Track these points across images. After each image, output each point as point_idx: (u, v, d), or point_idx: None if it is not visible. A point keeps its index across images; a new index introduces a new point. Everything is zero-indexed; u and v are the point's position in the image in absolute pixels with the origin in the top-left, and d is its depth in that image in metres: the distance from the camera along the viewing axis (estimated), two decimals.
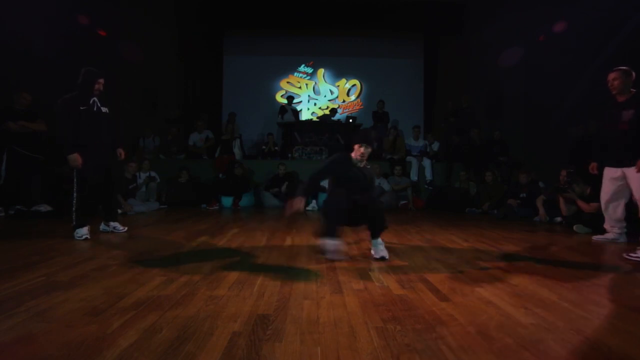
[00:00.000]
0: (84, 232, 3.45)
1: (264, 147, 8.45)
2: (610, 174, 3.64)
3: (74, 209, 3.49)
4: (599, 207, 4.35)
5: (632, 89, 3.53)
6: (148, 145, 8.02)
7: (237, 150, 8.01)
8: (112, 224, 3.86)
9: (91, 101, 3.55)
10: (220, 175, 7.28)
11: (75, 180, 3.51)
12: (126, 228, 3.90)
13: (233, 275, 2.26)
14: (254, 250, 3.04)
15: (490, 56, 8.31)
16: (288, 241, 3.49)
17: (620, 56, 6.22)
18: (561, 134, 6.99)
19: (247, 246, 3.21)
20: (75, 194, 3.51)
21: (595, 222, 4.28)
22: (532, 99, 8.10)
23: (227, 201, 6.93)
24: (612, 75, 3.57)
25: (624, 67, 3.53)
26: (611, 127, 3.60)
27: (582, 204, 4.64)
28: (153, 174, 6.69)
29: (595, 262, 2.95)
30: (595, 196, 4.52)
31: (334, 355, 1.29)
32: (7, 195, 5.12)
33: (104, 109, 3.65)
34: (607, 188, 3.67)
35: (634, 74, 3.53)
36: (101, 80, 3.57)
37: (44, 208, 5.19)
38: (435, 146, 8.10)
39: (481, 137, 7.88)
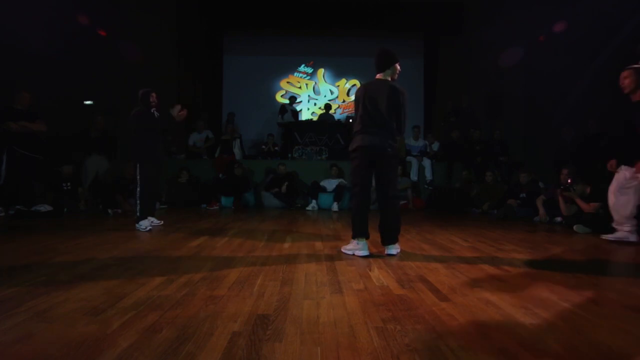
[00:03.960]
0: (147, 223, 4.06)
1: (263, 147, 8.45)
2: (624, 171, 3.56)
3: (138, 201, 4.07)
4: (599, 207, 4.35)
5: None
6: None
7: (237, 150, 8.01)
8: (150, 218, 4.28)
9: (152, 111, 4.24)
10: (220, 175, 7.28)
11: (139, 177, 4.08)
12: (162, 222, 4.40)
13: (233, 275, 2.26)
14: (254, 250, 3.04)
15: (490, 56, 8.31)
16: (288, 241, 3.49)
17: (621, 56, 6.23)
18: (561, 133, 6.99)
19: (247, 246, 3.21)
20: (139, 189, 4.07)
21: (595, 222, 4.28)
22: (532, 99, 8.11)
23: (227, 201, 6.93)
24: (624, 74, 3.40)
25: (637, 65, 3.34)
26: (629, 128, 3.48)
27: (582, 203, 4.64)
28: None
29: (596, 262, 2.95)
30: (595, 196, 4.52)
31: (334, 355, 1.29)
32: (7, 195, 5.12)
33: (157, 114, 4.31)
34: (616, 185, 3.60)
35: None
36: (154, 94, 4.23)
37: (44, 208, 5.20)
38: (435, 146, 8.09)
39: (481, 137, 7.88)
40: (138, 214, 4.08)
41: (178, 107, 4.32)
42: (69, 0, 6.61)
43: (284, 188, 6.96)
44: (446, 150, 7.91)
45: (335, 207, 6.67)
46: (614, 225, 3.74)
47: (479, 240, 3.72)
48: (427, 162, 7.74)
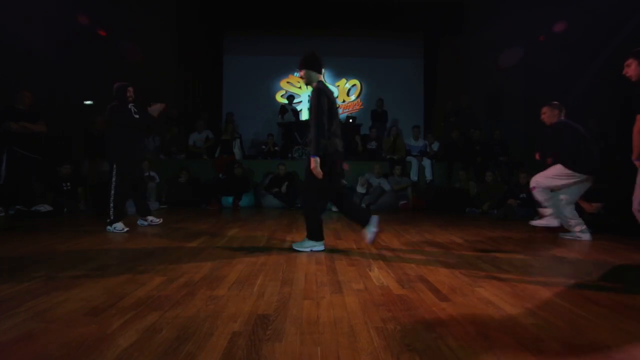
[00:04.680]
0: (122, 225, 3.87)
1: (263, 147, 8.45)
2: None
3: (112, 204, 3.87)
4: (601, 207, 4.38)
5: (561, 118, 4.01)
6: (148, 145, 8.01)
7: (237, 150, 8.01)
8: (149, 217, 4.35)
9: (129, 107, 4.00)
10: (220, 175, 7.28)
11: (114, 178, 3.88)
12: (161, 220, 4.42)
13: (233, 275, 2.26)
14: (254, 250, 3.04)
15: (490, 56, 8.31)
16: (288, 241, 3.49)
17: (621, 56, 6.21)
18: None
19: (247, 246, 3.21)
20: (113, 191, 3.88)
21: (596, 222, 4.28)
22: (532, 99, 8.10)
23: (227, 201, 6.93)
24: (542, 110, 4.10)
25: (554, 102, 4.06)
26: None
27: (584, 203, 4.61)
28: (152, 173, 6.68)
29: (595, 261, 2.94)
30: (597, 196, 4.50)
31: (334, 355, 1.29)
32: (7, 195, 5.12)
33: (136, 116, 4.06)
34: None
35: (561, 108, 4.02)
36: (130, 89, 4.01)
37: (44, 208, 5.20)
38: (435, 146, 8.09)
39: (481, 137, 7.88)
40: (112, 217, 3.85)
41: (157, 106, 4.12)
42: (69, 0, 6.62)
43: (284, 188, 6.96)
44: (446, 150, 7.91)
45: (335, 207, 6.66)
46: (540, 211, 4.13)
47: (479, 240, 3.72)
48: (427, 162, 7.74)
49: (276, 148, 8.35)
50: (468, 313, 1.69)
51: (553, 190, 3.94)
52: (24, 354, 1.27)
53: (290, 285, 2.09)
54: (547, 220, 4.04)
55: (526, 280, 2.26)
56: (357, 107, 10.01)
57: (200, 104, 9.43)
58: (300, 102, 9.99)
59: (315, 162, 2.94)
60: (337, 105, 3.11)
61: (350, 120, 8.59)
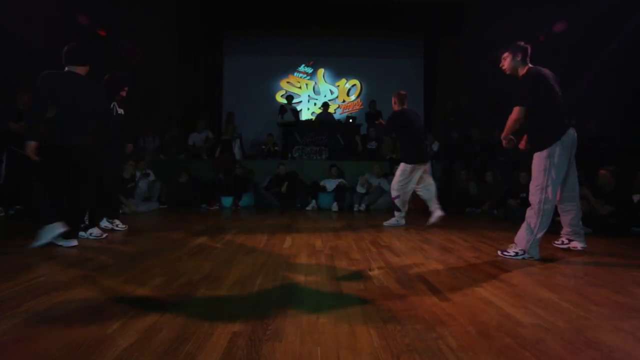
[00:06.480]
0: (99, 231, 3.47)
1: (263, 147, 8.45)
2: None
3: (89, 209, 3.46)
4: (612, 210, 4.38)
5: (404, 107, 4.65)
6: (148, 145, 8.02)
7: (237, 150, 8.01)
8: (115, 221, 3.98)
9: (112, 105, 3.64)
10: (220, 175, 7.28)
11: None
12: (126, 226, 4.02)
13: (233, 275, 2.26)
14: (254, 250, 3.04)
15: (490, 56, 8.30)
16: (288, 241, 3.49)
17: (622, 55, 6.22)
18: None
19: (247, 246, 3.21)
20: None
21: (596, 222, 4.27)
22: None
23: (227, 201, 6.93)
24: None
25: (401, 92, 4.66)
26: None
27: (596, 204, 4.57)
28: (148, 171, 6.66)
29: (595, 261, 2.94)
30: (611, 198, 4.48)
31: (334, 355, 1.29)
32: (7, 195, 5.12)
33: (120, 111, 3.74)
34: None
35: (403, 99, 4.63)
36: (127, 89, 3.67)
37: None
38: (435, 146, 8.09)
39: (481, 137, 7.88)
40: (87, 222, 3.41)
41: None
42: (69, 0, 6.61)
43: (284, 188, 6.96)
44: (446, 150, 7.90)
45: (335, 207, 6.67)
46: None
47: (479, 240, 3.72)
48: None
49: (276, 148, 8.34)
50: (468, 313, 1.69)
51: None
52: (24, 354, 1.27)
53: (290, 285, 2.09)
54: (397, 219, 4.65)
55: (526, 280, 2.26)
56: (357, 107, 10.00)
57: (200, 104, 9.43)
58: (300, 102, 9.99)
59: (28, 147, 2.85)
60: (87, 100, 2.98)
61: (350, 120, 8.58)
